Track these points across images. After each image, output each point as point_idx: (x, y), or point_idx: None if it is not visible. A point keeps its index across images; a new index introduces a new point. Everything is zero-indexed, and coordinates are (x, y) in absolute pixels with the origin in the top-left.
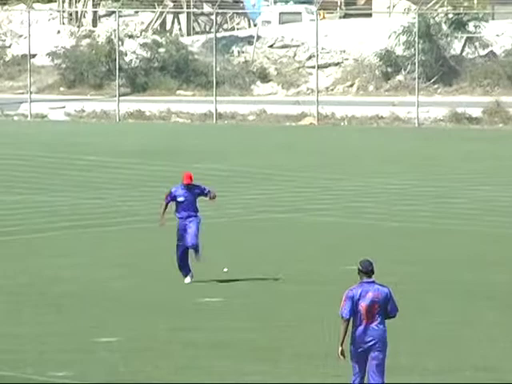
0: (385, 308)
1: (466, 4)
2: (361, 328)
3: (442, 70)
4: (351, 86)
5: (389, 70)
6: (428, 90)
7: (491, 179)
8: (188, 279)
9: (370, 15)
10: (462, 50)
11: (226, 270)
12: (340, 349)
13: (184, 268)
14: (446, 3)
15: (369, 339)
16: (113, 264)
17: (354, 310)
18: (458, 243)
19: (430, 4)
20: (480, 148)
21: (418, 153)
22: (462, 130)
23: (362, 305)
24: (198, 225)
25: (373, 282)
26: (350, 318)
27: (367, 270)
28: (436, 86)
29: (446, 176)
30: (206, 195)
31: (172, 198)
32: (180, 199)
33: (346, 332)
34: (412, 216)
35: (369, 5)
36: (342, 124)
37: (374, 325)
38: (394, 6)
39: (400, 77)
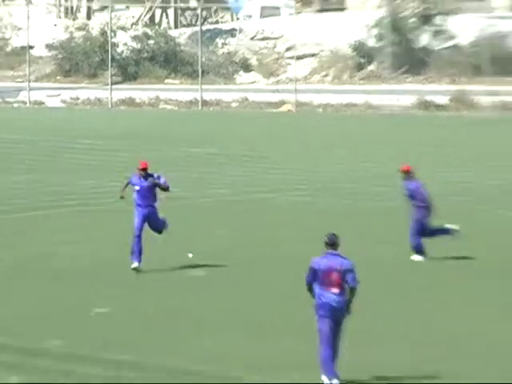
0: (345, 279)
1: None
2: (322, 294)
3: (411, 61)
4: (327, 75)
5: (362, 60)
6: (398, 79)
7: (459, 163)
8: (136, 264)
9: (344, 9)
10: (430, 42)
11: (190, 255)
12: None
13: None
14: None
15: (329, 305)
16: (107, 242)
17: (317, 278)
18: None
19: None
20: (447, 134)
21: (390, 138)
22: (430, 116)
23: (324, 273)
24: (155, 216)
25: (337, 254)
26: (312, 284)
27: (332, 242)
28: (405, 75)
29: (417, 160)
30: (159, 185)
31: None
32: (136, 188)
33: (312, 292)
34: (390, 198)
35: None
36: (319, 111)
37: (334, 292)
38: (366, 1)
39: (372, 67)
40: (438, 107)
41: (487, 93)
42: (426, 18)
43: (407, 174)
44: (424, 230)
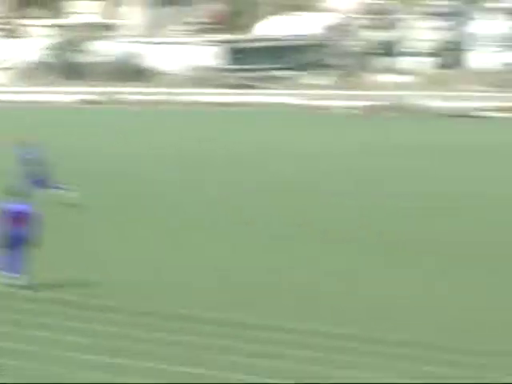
0: (28, 218)
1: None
2: (12, 229)
3: (74, 71)
4: (22, 81)
5: (40, 71)
6: (66, 83)
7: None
8: None
9: (22, 37)
10: (86, 58)
11: None
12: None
13: None
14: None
15: (16, 237)
16: None
17: (8, 218)
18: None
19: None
20: (101, 122)
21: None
22: (91, 110)
23: (13, 214)
24: None
25: (20, 200)
26: (3, 222)
27: (15, 192)
28: (74, 81)
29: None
30: None
31: None
32: None
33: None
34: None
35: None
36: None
37: (18, 228)
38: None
39: (49, 76)
40: (95, 103)
41: (130, 93)
42: (72, 42)
43: (23, 143)
44: (39, 183)
